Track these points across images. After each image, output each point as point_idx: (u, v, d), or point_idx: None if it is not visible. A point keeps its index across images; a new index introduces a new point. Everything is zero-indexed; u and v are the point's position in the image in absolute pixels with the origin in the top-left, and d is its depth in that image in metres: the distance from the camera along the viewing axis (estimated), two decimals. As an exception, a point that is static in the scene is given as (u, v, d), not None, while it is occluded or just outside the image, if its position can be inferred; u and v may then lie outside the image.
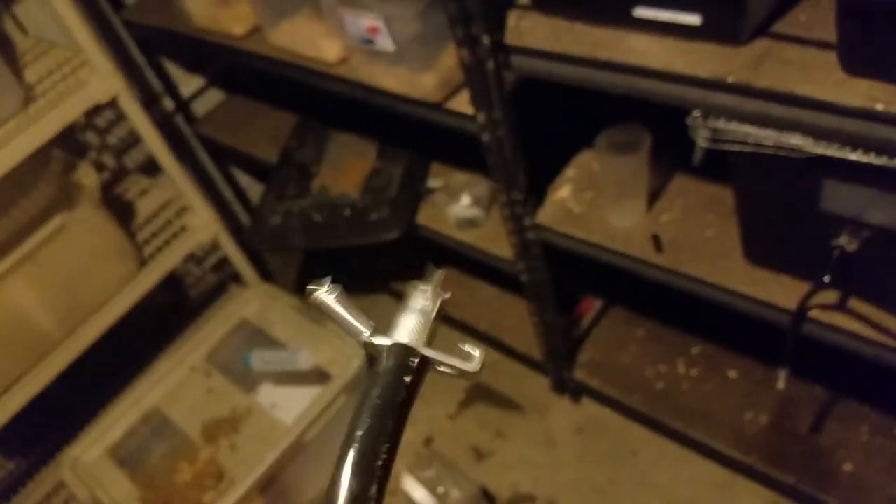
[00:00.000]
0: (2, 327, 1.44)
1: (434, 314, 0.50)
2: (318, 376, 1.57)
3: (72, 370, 1.56)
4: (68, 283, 1.52)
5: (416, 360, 0.48)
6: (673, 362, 1.57)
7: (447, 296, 0.50)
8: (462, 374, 0.49)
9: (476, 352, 0.49)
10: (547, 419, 1.68)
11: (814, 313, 1.03)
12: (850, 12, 0.77)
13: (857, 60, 0.80)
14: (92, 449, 1.59)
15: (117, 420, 1.62)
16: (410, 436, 1.71)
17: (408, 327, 0.49)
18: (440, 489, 1.40)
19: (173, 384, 1.66)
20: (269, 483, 1.44)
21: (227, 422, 1.56)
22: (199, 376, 1.66)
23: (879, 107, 0.77)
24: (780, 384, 1.18)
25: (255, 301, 1.74)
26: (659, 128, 1.13)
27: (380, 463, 0.44)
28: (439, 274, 0.51)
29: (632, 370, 1.58)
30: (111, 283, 1.58)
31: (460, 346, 0.50)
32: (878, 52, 0.78)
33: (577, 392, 1.68)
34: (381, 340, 0.48)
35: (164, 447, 1.57)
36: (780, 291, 1.06)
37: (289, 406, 1.56)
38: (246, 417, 1.56)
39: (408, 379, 0.47)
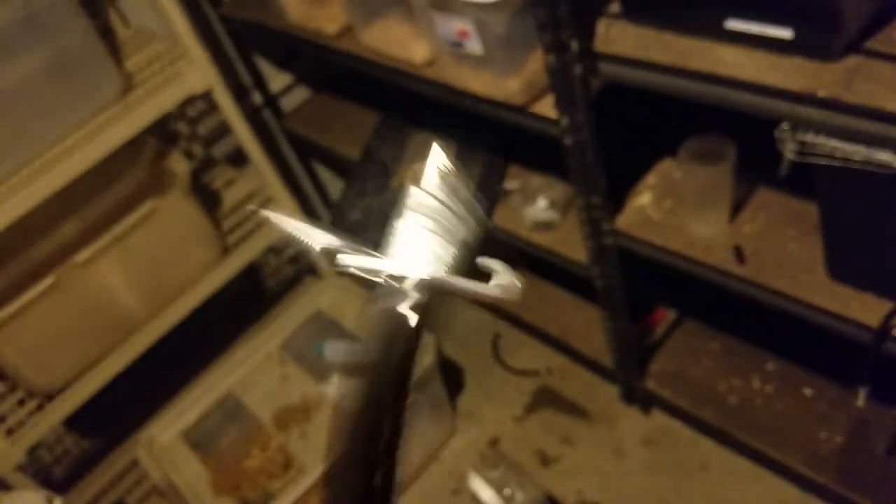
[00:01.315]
0: (89, 306, 1.56)
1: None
2: (389, 370, 1.64)
3: (152, 352, 1.66)
4: (155, 267, 1.63)
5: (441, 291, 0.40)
6: (747, 377, 1.58)
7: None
8: (499, 300, 0.44)
9: (507, 274, 0.43)
10: (615, 428, 1.71)
11: (897, 332, 1.04)
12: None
13: (952, 79, 0.82)
14: (167, 430, 1.70)
15: (193, 403, 1.72)
16: (475, 435, 1.78)
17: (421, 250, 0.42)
18: (507, 490, 1.45)
19: (248, 370, 1.75)
20: (337, 472, 1.51)
21: (299, 410, 1.64)
22: (274, 364, 1.76)
23: (974, 126, 0.80)
24: (860, 402, 1.20)
25: (329, 293, 1.83)
26: (742, 139, 1.16)
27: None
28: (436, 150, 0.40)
29: (704, 383, 1.60)
30: (195, 268, 1.69)
31: (485, 265, 0.43)
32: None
33: (646, 402, 1.71)
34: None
35: (237, 432, 1.67)
36: (862, 309, 1.07)
37: (359, 398, 1.63)
38: (317, 406, 1.65)
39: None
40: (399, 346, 0.41)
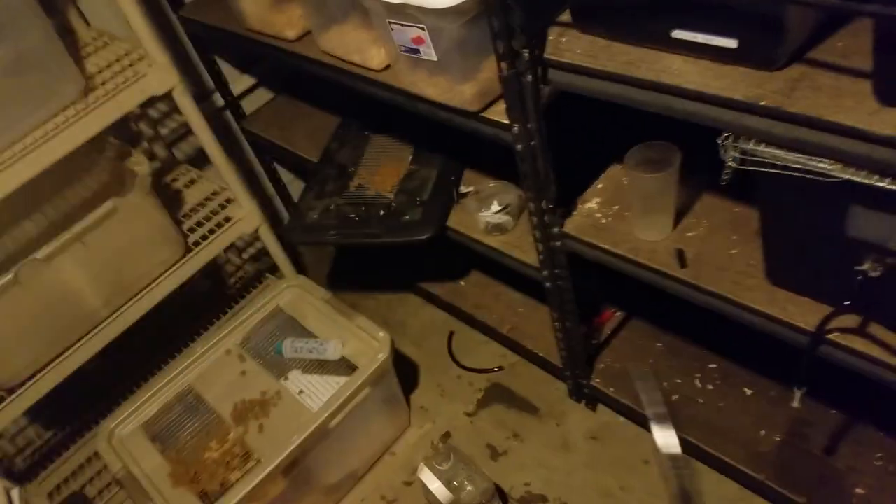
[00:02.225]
0: (50, 302, 1.47)
1: None
2: (345, 367, 1.58)
3: (113, 347, 1.58)
4: (116, 264, 1.55)
5: None
6: (690, 376, 1.55)
7: None
8: None
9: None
10: (562, 424, 1.67)
11: (833, 336, 1.01)
12: (887, 44, 0.75)
13: (892, 91, 0.79)
14: (127, 423, 1.62)
15: (153, 396, 1.64)
16: (428, 429, 1.72)
17: None
18: (455, 482, 1.40)
19: (208, 365, 1.68)
20: (293, 466, 1.45)
21: (258, 404, 1.57)
22: (234, 359, 1.68)
23: (910, 137, 0.76)
24: (796, 403, 1.16)
25: (289, 292, 1.76)
26: (688, 146, 1.12)
27: None
28: None
29: (648, 381, 1.57)
30: (156, 266, 1.61)
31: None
32: (912, 83, 0.76)
33: (593, 399, 1.67)
34: None
35: (196, 425, 1.59)
36: (799, 313, 1.04)
37: (316, 393, 1.57)
38: (275, 401, 1.58)
39: None
40: None
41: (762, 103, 0.84)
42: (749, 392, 1.48)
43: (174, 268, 1.61)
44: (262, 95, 2.05)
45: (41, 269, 1.43)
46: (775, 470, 1.36)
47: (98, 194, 1.51)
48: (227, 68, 1.94)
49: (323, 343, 1.54)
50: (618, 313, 1.70)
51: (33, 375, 1.50)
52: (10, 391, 1.49)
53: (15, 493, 1.22)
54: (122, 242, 1.52)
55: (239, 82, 1.99)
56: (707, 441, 1.44)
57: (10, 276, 1.39)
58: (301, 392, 1.59)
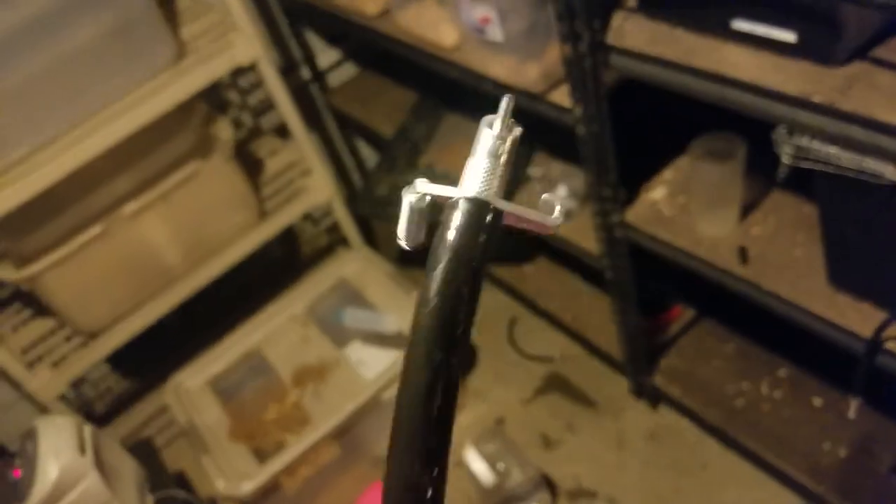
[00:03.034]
0: (133, 256, 1.64)
1: (506, 155, 0.43)
2: (402, 340, 1.68)
3: (190, 303, 1.74)
4: (196, 224, 1.70)
5: (490, 216, 0.41)
6: (757, 382, 1.56)
7: (518, 131, 0.42)
8: (542, 229, 0.43)
9: (557, 204, 0.43)
10: (620, 420, 1.71)
11: (891, 345, 1.02)
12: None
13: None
14: (195, 377, 1.78)
15: (221, 354, 1.80)
16: (482, 413, 1.80)
17: (478, 176, 0.42)
18: (500, 465, 1.47)
19: (274, 329, 1.82)
20: (345, 432, 1.56)
21: (316, 370, 1.70)
22: (298, 325, 1.82)
23: (966, 140, 0.77)
24: (851, 413, 1.17)
25: (355, 263, 1.87)
26: (761, 141, 1.14)
27: (460, 332, 0.40)
28: (508, 101, 0.43)
29: (713, 384, 1.58)
30: (233, 229, 1.75)
31: (541, 196, 0.44)
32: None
33: (654, 398, 1.70)
34: (450, 192, 0.42)
35: (258, 384, 1.74)
36: (858, 318, 1.05)
37: (372, 364, 1.68)
38: (332, 369, 1.70)
39: (483, 238, 0.41)
40: (479, 235, 0.41)
41: (815, 99, 0.87)
42: (818, 402, 1.48)
43: (250, 232, 1.76)
44: (349, 70, 2.17)
45: (127, 224, 1.60)
46: (837, 484, 1.36)
47: (185, 156, 1.66)
48: (316, 42, 2.07)
49: (382, 315, 1.64)
50: (688, 311, 1.71)
51: (115, 323, 1.68)
52: (93, 336, 1.68)
53: (87, 430, 1.38)
54: (202, 204, 1.68)
55: (326, 56, 2.11)
56: (769, 449, 1.45)
57: (98, 228, 1.57)
58: (359, 361, 1.70)
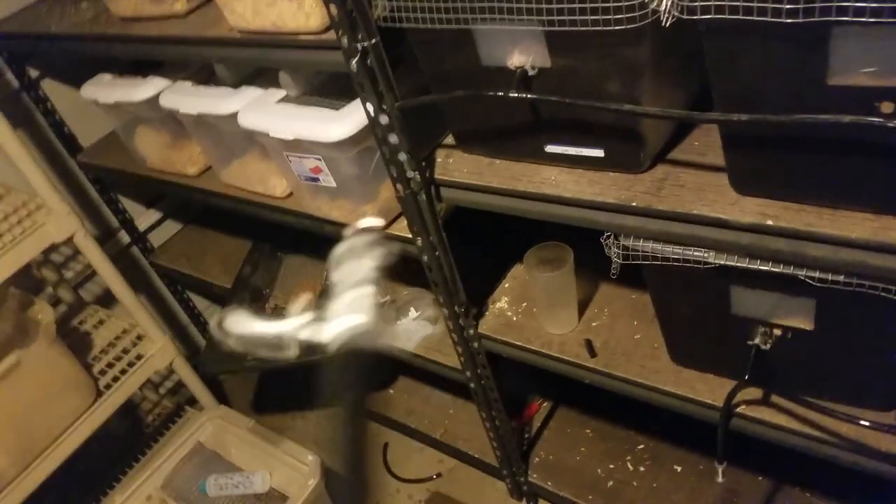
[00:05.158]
0: (-47, 470, 1.41)
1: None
2: (276, 499, 1.55)
3: (29, 507, 1.51)
4: (22, 420, 1.50)
5: None
6: (622, 459, 1.59)
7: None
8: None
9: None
10: (506, 526, 1.68)
11: (741, 409, 1.08)
12: (733, 141, 0.86)
13: (745, 181, 0.89)
14: (45, 591, 1.53)
15: (72, 559, 1.56)
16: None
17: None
18: None
19: (129, 517, 1.62)
20: None
21: (185, 554, 1.52)
22: (156, 506, 1.63)
23: (770, 222, 0.85)
24: (719, 478, 1.21)
25: (210, 424, 1.73)
26: (582, 241, 1.20)
27: None
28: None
29: (583, 470, 1.60)
30: (66, 416, 1.56)
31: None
32: (763, 173, 0.86)
33: (533, 496, 1.69)
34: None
35: (121, 585, 1.52)
36: (707, 390, 1.11)
37: (248, 531, 1.54)
38: (204, 549, 1.53)
39: None
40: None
41: (633, 204, 0.94)
42: (679, 469, 1.54)
43: (85, 415, 1.57)
44: (171, 227, 2.07)
45: (-60, 437, 1.38)
46: (714, 546, 1.40)
47: (3, 347, 1.48)
48: (132, 205, 1.97)
49: (249, 476, 1.52)
50: (545, 404, 1.74)
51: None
52: None
53: None
54: (27, 396, 1.49)
55: (146, 217, 2.01)
56: (647, 525, 1.47)
57: None
58: (233, 531, 1.55)
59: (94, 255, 1.54)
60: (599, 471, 1.59)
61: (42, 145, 1.79)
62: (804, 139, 0.78)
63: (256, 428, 1.67)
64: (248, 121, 1.22)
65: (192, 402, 1.95)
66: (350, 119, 1.10)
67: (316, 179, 1.21)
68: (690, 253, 0.93)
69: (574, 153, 0.98)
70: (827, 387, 1.00)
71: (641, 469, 1.56)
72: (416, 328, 1.49)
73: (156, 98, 1.40)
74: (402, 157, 1.07)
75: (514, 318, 1.34)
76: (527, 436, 1.69)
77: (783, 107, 0.75)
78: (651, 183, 0.96)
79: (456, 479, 1.79)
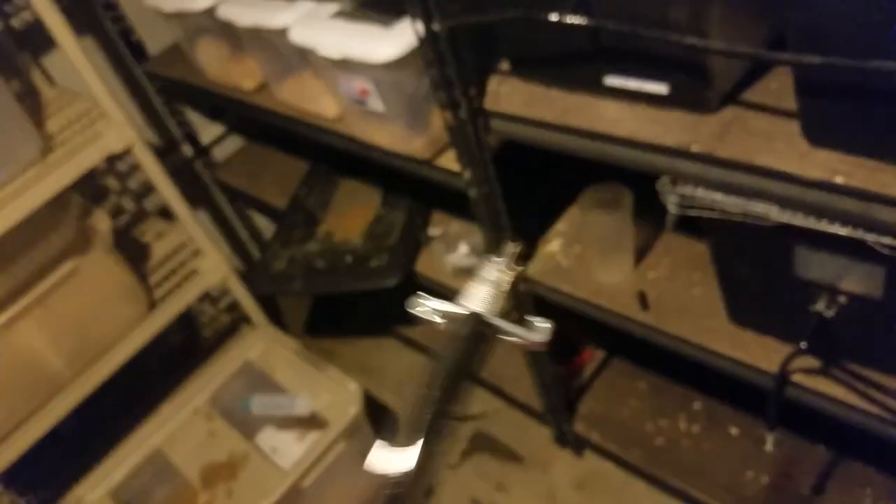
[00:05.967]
0: (13, 368, 1.50)
1: (507, 286, 0.57)
2: (317, 422, 1.59)
3: (81, 410, 1.60)
4: (79, 326, 1.57)
5: (489, 329, 0.54)
6: (674, 417, 1.55)
7: (521, 269, 0.64)
8: (531, 344, 0.55)
9: (546, 324, 0.55)
10: (548, 472, 1.67)
11: (796, 377, 1.02)
12: (807, 86, 0.77)
13: (818, 132, 0.81)
14: (95, 490, 1.63)
15: (121, 461, 1.65)
16: (408, 484, 1.72)
17: (480, 297, 0.56)
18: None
19: (176, 426, 1.69)
20: (265, 529, 1.46)
21: (225, 467, 1.58)
22: (202, 419, 1.70)
23: (839, 179, 0.78)
24: (769, 447, 1.17)
25: (259, 344, 1.78)
26: (649, 186, 1.14)
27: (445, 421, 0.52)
28: (512, 247, 0.58)
29: (632, 424, 1.57)
30: (121, 325, 1.63)
31: (530, 319, 0.56)
32: (838, 124, 0.78)
33: (578, 445, 1.67)
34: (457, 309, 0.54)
35: (165, 490, 1.60)
36: (762, 354, 1.05)
37: (288, 451, 1.58)
38: (244, 463, 1.59)
39: (480, 346, 0.54)
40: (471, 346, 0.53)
41: (693, 148, 0.87)
42: (735, 432, 1.48)
43: (139, 325, 1.64)
44: (235, 142, 2.10)
45: (1, 336, 1.46)
46: (763, 513, 1.35)
47: (61, 255, 1.54)
48: (196, 118, 1.99)
49: (291, 398, 1.56)
50: (598, 353, 1.70)
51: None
52: (-26, 460, 1.52)
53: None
54: (84, 303, 1.56)
55: (210, 131, 2.03)
56: (693, 485, 1.44)
57: (-32, 343, 1.43)
58: (275, 450, 1.60)
59: (151, 166, 1.57)
60: (649, 426, 1.55)
61: (110, 53, 1.82)
62: (886, 88, 0.69)
63: (303, 351, 1.70)
64: (298, 36, 1.19)
65: (248, 319, 2.01)
66: (399, 39, 1.05)
67: (363, 102, 1.18)
68: (752, 207, 0.86)
69: (636, 87, 0.91)
70: (891, 362, 0.93)
71: (694, 429, 1.52)
72: (466, 265, 1.46)
73: (213, 8, 1.39)
74: (452, 82, 1.02)
75: (564, 263, 1.29)
76: (575, 385, 1.66)
77: (862, 50, 0.66)
78: (717, 126, 0.88)
79: (500, 422, 1.79)
